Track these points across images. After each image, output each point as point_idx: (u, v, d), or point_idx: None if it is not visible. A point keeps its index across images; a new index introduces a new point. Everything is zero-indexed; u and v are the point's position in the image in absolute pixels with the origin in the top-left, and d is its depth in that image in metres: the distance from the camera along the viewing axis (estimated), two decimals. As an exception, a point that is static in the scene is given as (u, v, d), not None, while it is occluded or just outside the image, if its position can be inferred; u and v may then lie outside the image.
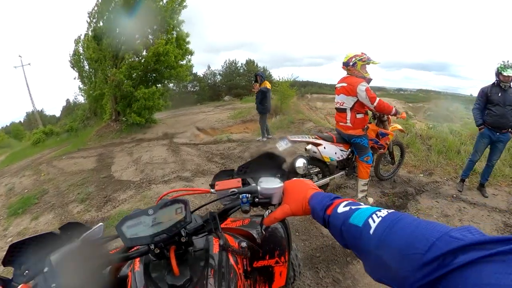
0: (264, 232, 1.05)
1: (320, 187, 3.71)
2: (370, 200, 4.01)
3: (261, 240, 1.25)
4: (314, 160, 3.73)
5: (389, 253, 0.50)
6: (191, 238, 0.87)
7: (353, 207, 0.65)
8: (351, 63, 3.52)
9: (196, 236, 0.91)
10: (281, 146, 3.57)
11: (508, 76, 3.71)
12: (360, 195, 3.87)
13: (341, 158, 3.76)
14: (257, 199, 0.90)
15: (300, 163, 3.56)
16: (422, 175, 5.10)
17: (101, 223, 0.96)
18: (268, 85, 7.75)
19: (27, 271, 0.83)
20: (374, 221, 0.56)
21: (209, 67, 33.77)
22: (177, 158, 7.14)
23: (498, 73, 3.77)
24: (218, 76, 32.29)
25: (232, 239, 1.09)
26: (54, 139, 15.65)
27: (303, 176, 3.60)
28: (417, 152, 5.98)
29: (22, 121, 37.74)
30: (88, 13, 11.88)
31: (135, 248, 0.88)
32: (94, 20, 11.87)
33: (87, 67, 13.83)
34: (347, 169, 3.98)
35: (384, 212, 0.58)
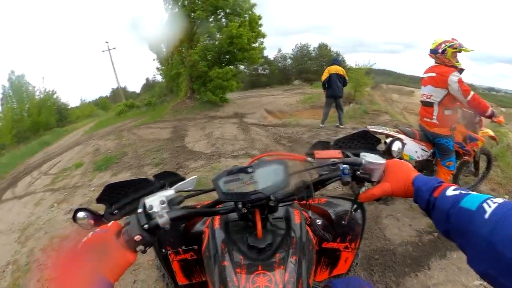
0: (353, 212, 0.96)
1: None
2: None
3: (340, 221, 1.20)
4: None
5: (505, 241, 0.46)
6: (278, 204, 0.84)
7: (463, 192, 0.62)
8: (440, 50, 3.06)
9: (280, 204, 0.88)
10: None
11: None
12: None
13: (421, 159, 3.32)
14: (358, 173, 0.86)
15: (396, 146, 3.26)
16: (507, 196, 4.25)
17: (195, 176, 0.97)
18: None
19: (117, 210, 0.88)
20: (489, 206, 0.53)
21: (279, 50, 33.46)
22: (247, 136, 7.26)
23: None
24: (289, 60, 31.73)
25: (310, 215, 1.01)
26: (135, 111, 17.09)
27: None
28: (506, 168, 5.03)
29: (108, 96, 42.16)
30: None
31: (220, 205, 0.90)
32: (170, 6, 12.55)
33: (164, 49, 14.76)
34: (425, 171, 3.53)
35: (499, 200, 0.54)
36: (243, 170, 0.79)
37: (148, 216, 0.70)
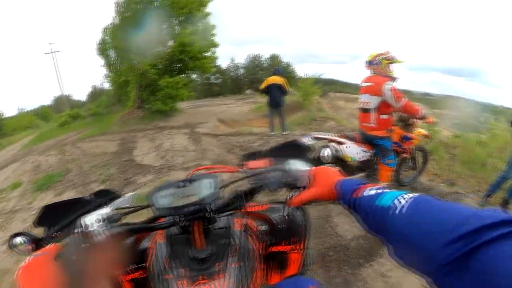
0: (285, 216, 1.05)
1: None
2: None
3: (281, 224, 1.23)
4: (335, 159, 3.67)
5: (417, 231, 0.49)
6: (216, 215, 0.88)
7: (379, 191, 0.65)
8: (375, 62, 3.42)
9: (220, 215, 0.92)
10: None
11: None
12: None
13: (362, 159, 3.66)
14: (284, 179, 0.91)
15: (326, 153, 3.52)
16: (443, 184, 4.86)
17: (131, 193, 1.00)
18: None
19: (57, 232, 0.87)
20: (400, 202, 0.56)
21: (232, 60, 33.73)
22: (198, 147, 7.21)
23: None
24: (241, 70, 32.22)
25: (252, 222, 1.09)
26: (80, 122, 16.18)
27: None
28: (440, 161, 5.72)
29: (50, 105, 39.04)
30: (115, 3, 12.24)
31: (160, 220, 0.90)
32: (122, 10, 12.14)
33: (113, 55, 14.20)
34: (368, 170, 3.88)
35: (411, 195, 0.57)
36: (177, 184, 0.81)
37: (86, 235, 0.72)
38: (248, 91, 25.40)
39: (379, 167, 3.71)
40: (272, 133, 8.16)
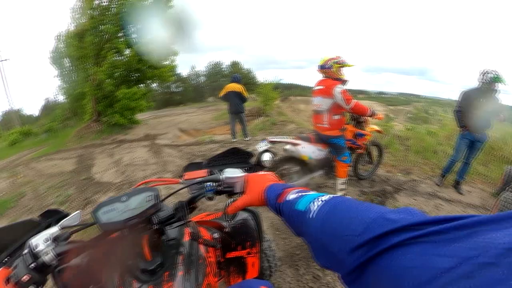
0: (229, 221, 1.11)
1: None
2: (349, 198, 4.08)
3: (232, 230, 1.31)
4: (294, 160, 3.80)
5: (329, 236, 0.48)
6: (164, 227, 0.91)
7: (300, 194, 0.65)
8: (327, 66, 3.60)
9: (170, 227, 0.94)
10: (261, 147, 3.62)
11: (497, 87, 3.92)
12: (339, 193, 3.95)
13: (319, 158, 3.84)
14: (220, 188, 0.97)
15: (266, 157, 3.60)
16: (400, 174, 5.25)
17: (78, 211, 0.99)
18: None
19: (7, 258, 0.86)
20: (315, 205, 0.56)
21: (193, 67, 33.67)
22: (159, 159, 7.09)
23: (490, 82, 3.92)
24: (202, 77, 32.14)
25: (205, 231, 1.14)
26: (32, 139, 15.16)
27: (271, 170, 3.65)
28: (396, 153, 6.18)
29: (-2, 121, 36.17)
30: (70, 8, 11.66)
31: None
32: (77, 16, 11.63)
33: (68, 64, 13.54)
34: (326, 168, 4.07)
35: (327, 197, 0.57)
36: (118, 199, 0.82)
37: (35, 255, 0.73)
38: (210, 99, 25.40)
39: (336, 164, 3.90)
40: (234, 140, 8.25)
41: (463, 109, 4.26)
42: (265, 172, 0.94)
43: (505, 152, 5.85)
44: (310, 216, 0.55)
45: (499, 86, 3.97)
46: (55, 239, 0.78)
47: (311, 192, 0.65)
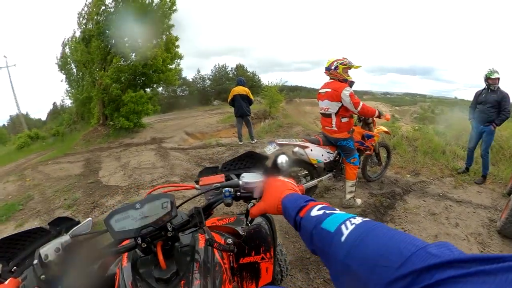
0: (249, 225, 1.07)
1: (308, 189, 3.74)
2: (359, 201, 4.06)
3: (247, 235, 1.27)
4: (302, 163, 3.76)
5: (360, 263, 0.46)
6: (178, 234, 0.88)
7: (327, 212, 0.62)
8: (333, 67, 3.60)
9: (183, 233, 0.93)
10: (270, 150, 3.60)
11: (496, 79, 4.54)
12: (348, 196, 3.92)
13: (327, 160, 3.80)
14: (239, 193, 0.95)
15: (282, 159, 3.57)
16: (409, 175, 5.20)
17: (90, 218, 0.98)
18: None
19: (15, 267, 0.84)
20: (347, 228, 0.53)
21: (198, 71, 33.96)
22: (166, 163, 7.08)
23: (487, 78, 4.58)
24: (208, 81, 32.40)
25: (218, 236, 1.11)
26: (40, 143, 15.30)
27: (287, 174, 3.62)
28: (404, 154, 6.11)
29: (6, 125, 36.50)
30: (77, 14, 11.78)
31: (123, 243, 0.88)
32: (84, 22, 11.74)
33: (74, 69, 13.67)
34: (334, 171, 4.03)
35: (358, 220, 0.55)
36: (132, 206, 0.80)
37: (45, 266, 0.70)
38: (215, 102, 25.46)
39: (345, 167, 3.87)
40: (241, 143, 8.27)
41: (472, 104, 4.99)
42: (285, 179, 0.91)
43: (514, 151, 5.78)
44: (341, 239, 0.52)
45: (497, 82, 4.54)
46: (66, 249, 0.76)
47: (337, 211, 0.62)
